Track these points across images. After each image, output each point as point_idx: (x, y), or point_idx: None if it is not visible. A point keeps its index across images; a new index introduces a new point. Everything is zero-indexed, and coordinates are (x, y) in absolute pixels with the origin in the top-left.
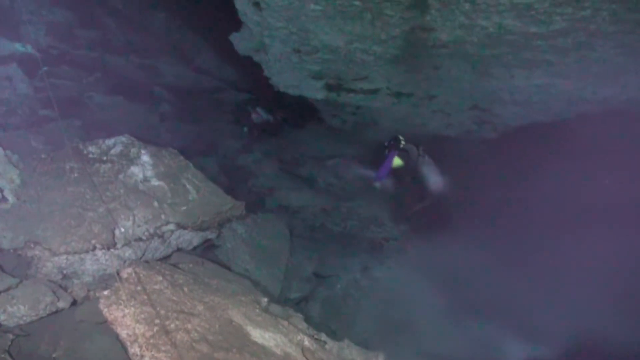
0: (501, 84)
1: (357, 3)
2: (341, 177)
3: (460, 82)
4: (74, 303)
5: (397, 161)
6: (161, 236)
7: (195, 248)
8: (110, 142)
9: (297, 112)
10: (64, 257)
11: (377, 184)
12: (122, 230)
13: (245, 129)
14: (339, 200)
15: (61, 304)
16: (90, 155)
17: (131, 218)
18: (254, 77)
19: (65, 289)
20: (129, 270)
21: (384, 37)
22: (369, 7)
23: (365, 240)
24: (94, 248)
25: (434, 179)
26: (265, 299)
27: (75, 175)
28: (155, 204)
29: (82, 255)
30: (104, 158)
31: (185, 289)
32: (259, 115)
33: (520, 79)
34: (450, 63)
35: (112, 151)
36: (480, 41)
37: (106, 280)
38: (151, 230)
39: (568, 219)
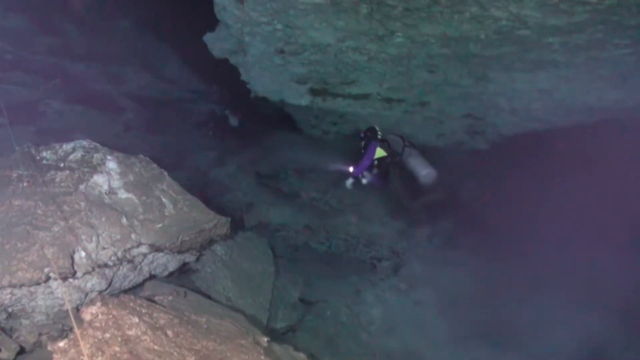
0: (500, 89)
1: None
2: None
3: (455, 87)
4: (21, 352)
5: (379, 152)
6: (131, 261)
7: (171, 274)
8: (68, 146)
9: (273, 123)
10: (8, 291)
11: (349, 183)
12: (83, 254)
13: (211, 132)
14: (323, 217)
15: (4, 355)
16: (45, 162)
17: (94, 239)
18: (224, 87)
19: (9, 333)
20: (94, 309)
21: (381, 33)
22: None
23: (353, 261)
24: (48, 278)
25: (425, 171)
26: (265, 339)
27: (25, 185)
28: (124, 220)
29: (32, 288)
30: (61, 165)
31: (170, 333)
32: (227, 118)
33: (521, 82)
34: (447, 66)
35: (72, 157)
36: (487, 38)
37: (63, 319)
38: (119, 254)
39: (563, 236)
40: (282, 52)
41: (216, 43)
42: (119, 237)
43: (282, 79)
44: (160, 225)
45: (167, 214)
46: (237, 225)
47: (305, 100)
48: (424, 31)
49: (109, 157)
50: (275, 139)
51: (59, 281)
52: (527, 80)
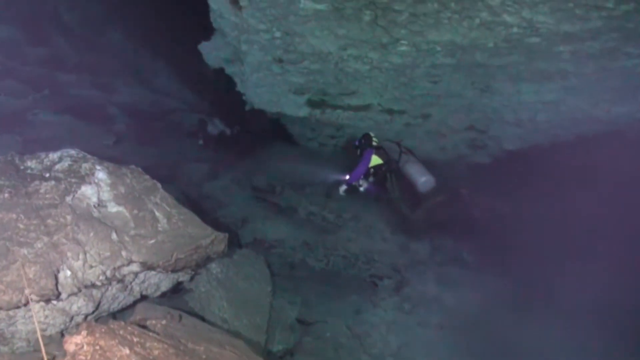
0: (505, 101)
1: None
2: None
3: (459, 98)
4: None
5: (376, 160)
6: (121, 280)
7: (163, 294)
8: (55, 155)
9: (268, 135)
10: None
11: (342, 189)
12: (69, 273)
13: (201, 141)
14: (321, 233)
15: None
16: (29, 171)
17: (81, 256)
18: (217, 98)
19: None
20: (78, 339)
21: (385, 41)
22: (373, 1)
23: (353, 279)
24: (28, 300)
25: (423, 178)
26: None
27: (6, 196)
28: (114, 236)
29: (11, 312)
30: (47, 175)
31: None
32: (216, 126)
33: (527, 94)
34: (451, 76)
35: (58, 166)
36: (495, 46)
37: (46, 345)
38: (108, 273)
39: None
40: (280, 61)
41: (211, 52)
42: (108, 254)
43: (279, 90)
44: (153, 241)
45: (160, 229)
46: (232, 242)
47: (303, 112)
48: (431, 38)
49: (98, 167)
50: (270, 152)
51: (42, 303)
52: (533, 92)
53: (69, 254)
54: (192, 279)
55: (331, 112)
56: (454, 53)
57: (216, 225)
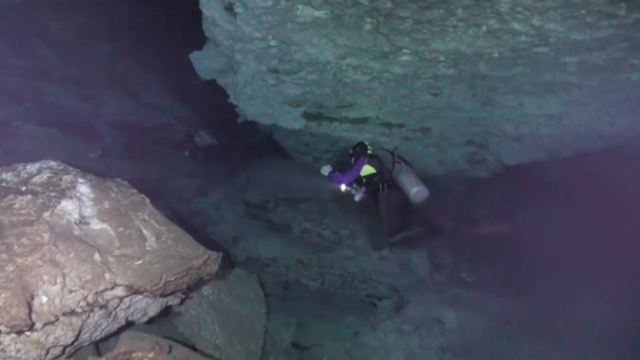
0: (507, 114)
1: (363, 1)
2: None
3: (459, 112)
4: None
5: (368, 169)
6: (105, 306)
7: (151, 320)
8: (33, 167)
9: (260, 148)
10: None
11: (333, 183)
12: (45, 300)
13: (187, 153)
14: (317, 251)
15: None
16: (3, 184)
17: (59, 280)
18: (208, 112)
19: None
20: None
21: (386, 50)
22: (375, 8)
23: (350, 299)
24: None
25: (416, 188)
26: None
27: None
28: (97, 256)
29: None
30: (23, 188)
31: None
32: (202, 138)
33: (530, 107)
34: (452, 88)
35: (36, 179)
36: (500, 56)
37: None
38: (90, 298)
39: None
40: (275, 71)
41: (203, 62)
42: (89, 277)
43: (274, 101)
44: (140, 262)
45: (148, 248)
46: (223, 261)
47: (298, 125)
48: (434, 47)
49: (80, 180)
50: (262, 166)
51: (14, 335)
52: (536, 105)
53: (45, 278)
54: (182, 302)
55: (328, 124)
56: (457, 63)
57: (207, 243)
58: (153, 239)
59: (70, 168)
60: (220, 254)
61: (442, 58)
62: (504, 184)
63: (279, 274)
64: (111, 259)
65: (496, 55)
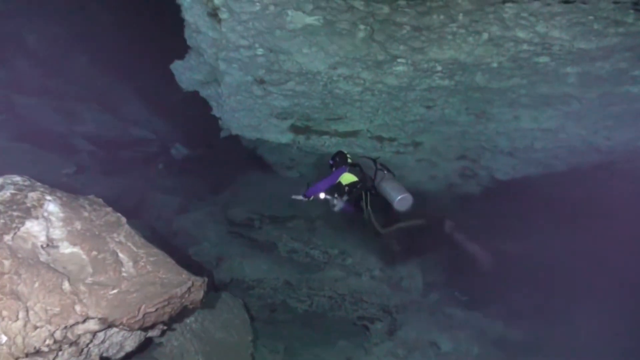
0: (501, 128)
1: (358, 5)
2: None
3: (452, 125)
4: None
5: (349, 177)
6: (75, 342)
7: (128, 355)
8: None
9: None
10: None
11: (298, 198)
12: (4, 339)
13: (161, 165)
14: (304, 271)
15: None
16: None
17: (22, 315)
18: (189, 126)
19: None
20: None
21: (381, 59)
22: (371, 13)
23: (340, 322)
24: None
25: (400, 196)
26: None
27: None
28: (66, 285)
29: None
30: None
31: None
32: (178, 150)
33: (525, 120)
34: (446, 101)
35: None
36: (499, 66)
37: None
38: (58, 335)
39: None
40: (262, 81)
41: (185, 73)
42: (57, 310)
43: (260, 114)
44: (115, 291)
45: (125, 274)
46: (207, 285)
47: (285, 138)
48: (432, 56)
49: (48, 198)
50: (246, 182)
51: None
52: (531, 118)
53: (4, 313)
54: (162, 332)
55: (317, 138)
56: (454, 74)
57: (190, 265)
58: (130, 263)
59: (38, 184)
60: (206, 279)
61: (439, 68)
62: (495, 200)
63: (265, 296)
64: (83, 288)
65: (495, 65)
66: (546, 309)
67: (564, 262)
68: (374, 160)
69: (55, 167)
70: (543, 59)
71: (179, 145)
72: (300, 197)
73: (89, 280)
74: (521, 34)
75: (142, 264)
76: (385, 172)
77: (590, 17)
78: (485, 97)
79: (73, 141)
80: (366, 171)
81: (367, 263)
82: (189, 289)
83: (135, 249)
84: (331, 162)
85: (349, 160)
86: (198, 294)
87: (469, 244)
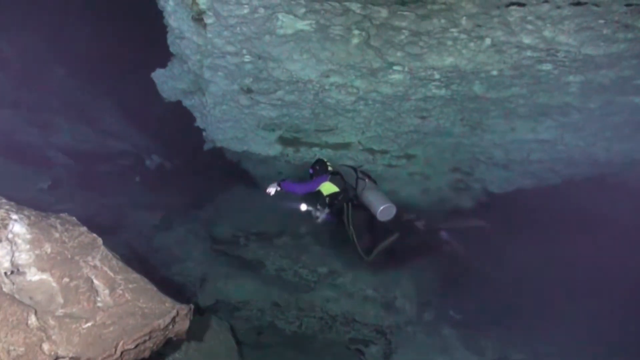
0: (497, 139)
1: (355, 8)
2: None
3: (446, 137)
4: None
5: (330, 187)
6: None
7: None
8: None
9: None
10: None
11: (272, 190)
12: None
13: (138, 178)
14: (293, 291)
15: None
16: None
17: None
18: (170, 138)
19: None
20: None
21: (376, 66)
22: (368, 17)
23: (332, 345)
24: None
25: (383, 206)
26: None
27: None
28: (33, 320)
29: None
30: None
31: None
32: (153, 161)
33: (522, 132)
34: (441, 111)
35: None
36: (500, 74)
37: None
38: None
39: None
40: (249, 90)
41: (167, 82)
42: (22, 350)
43: (246, 125)
44: (89, 324)
45: (100, 304)
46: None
47: (273, 151)
48: (430, 63)
49: (14, 217)
50: (230, 197)
51: None
52: (529, 129)
53: None
54: None
55: (306, 150)
56: (451, 83)
57: (170, 285)
58: (106, 291)
59: (3, 201)
60: (192, 306)
61: (437, 76)
62: (488, 213)
63: (252, 319)
64: (52, 322)
65: (495, 73)
66: (541, 326)
67: (557, 277)
68: (355, 169)
69: (29, 181)
70: (546, 67)
71: (154, 156)
72: (275, 187)
73: (60, 312)
74: (526, 40)
75: (120, 291)
76: (367, 180)
77: (601, 21)
78: (481, 107)
79: (48, 154)
80: (347, 180)
81: (359, 282)
82: (174, 319)
83: (112, 274)
84: (311, 170)
85: (330, 169)
86: (184, 324)
87: (448, 237)
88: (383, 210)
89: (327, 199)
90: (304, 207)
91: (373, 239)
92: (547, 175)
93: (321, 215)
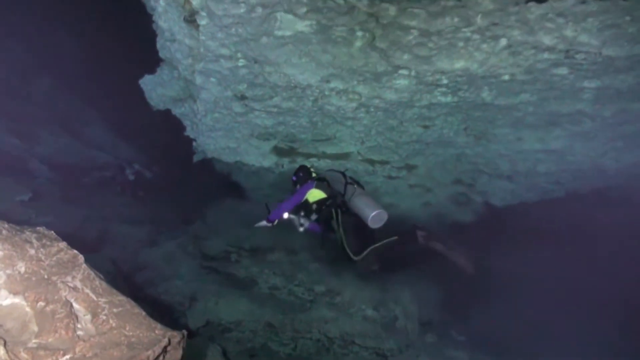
0: (503, 149)
1: (361, 5)
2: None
3: (449, 147)
4: None
5: (317, 194)
6: None
7: None
8: None
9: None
10: None
11: (260, 224)
12: None
13: (119, 188)
14: (288, 311)
15: None
16: None
17: None
18: (158, 151)
19: None
20: None
21: (381, 70)
22: (375, 15)
23: None
24: None
25: (373, 212)
26: None
27: None
28: (1, 353)
29: None
30: None
31: None
32: (134, 169)
33: (530, 141)
34: (445, 120)
35: None
36: (511, 79)
37: None
38: None
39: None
40: (243, 97)
41: (156, 89)
42: None
43: (240, 134)
44: (67, 357)
45: (80, 333)
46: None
47: (268, 162)
48: (439, 66)
49: None
50: (220, 210)
51: None
52: (537, 139)
53: None
54: None
55: (302, 161)
56: (458, 89)
57: (157, 306)
58: (88, 317)
59: None
60: (185, 332)
61: (444, 81)
62: (489, 227)
63: (244, 340)
64: (24, 355)
65: (506, 77)
66: (541, 344)
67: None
68: (343, 174)
69: (8, 193)
70: (561, 71)
71: (136, 166)
72: (263, 223)
73: (33, 342)
74: (545, 39)
75: (104, 317)
76: (356, 186)
77: (627, 18)
78: (487, 115)
79: (30, 166)
80: (335, 186)
81: (359, 301)
82: (165, 348)
83: (94, 297)
84: (294, 178)
85: (314, 175)
86: (176, 354)
87: (449, 252)
88: (374, 216)
89: (313, 207)
90: (285, 215)
91: (364, 244)
92: (552, 187)
93: (305, 224)
